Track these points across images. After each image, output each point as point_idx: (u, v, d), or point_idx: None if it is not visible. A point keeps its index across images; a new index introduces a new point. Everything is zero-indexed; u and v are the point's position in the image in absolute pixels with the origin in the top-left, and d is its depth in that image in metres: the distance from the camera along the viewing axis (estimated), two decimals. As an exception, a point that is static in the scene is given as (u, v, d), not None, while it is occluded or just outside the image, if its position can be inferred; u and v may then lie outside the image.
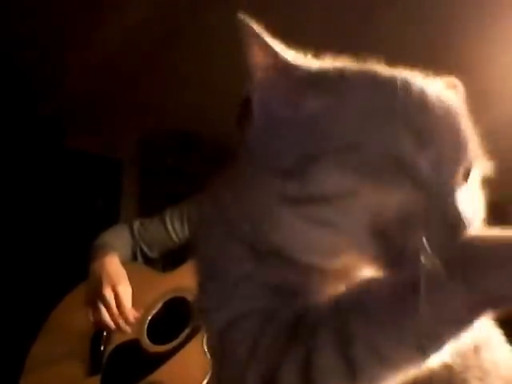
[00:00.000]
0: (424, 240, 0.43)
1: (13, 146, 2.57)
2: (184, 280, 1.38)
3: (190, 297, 1.36)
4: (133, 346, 1.37)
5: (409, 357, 0.44)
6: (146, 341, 1.37)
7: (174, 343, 1.32)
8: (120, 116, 2.86)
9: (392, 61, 0.50)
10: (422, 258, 0.42)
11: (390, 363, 0.44)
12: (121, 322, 1.38)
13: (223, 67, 2.39)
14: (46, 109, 2.70)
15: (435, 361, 0.44)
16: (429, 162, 0.45)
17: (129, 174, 2.99)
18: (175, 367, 1.29)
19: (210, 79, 2.50)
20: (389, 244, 0.45)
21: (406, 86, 0.48)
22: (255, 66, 0.54)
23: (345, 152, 0.45)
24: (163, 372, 1.29)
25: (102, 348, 1.40)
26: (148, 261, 1.57)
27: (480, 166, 0.50)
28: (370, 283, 0.47)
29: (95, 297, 1.39)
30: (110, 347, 1.41)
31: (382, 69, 0.52)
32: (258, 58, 0.53)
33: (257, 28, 0.52)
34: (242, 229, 0.54)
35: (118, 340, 1.40)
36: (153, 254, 1.57)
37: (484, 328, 0.56)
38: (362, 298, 0.46)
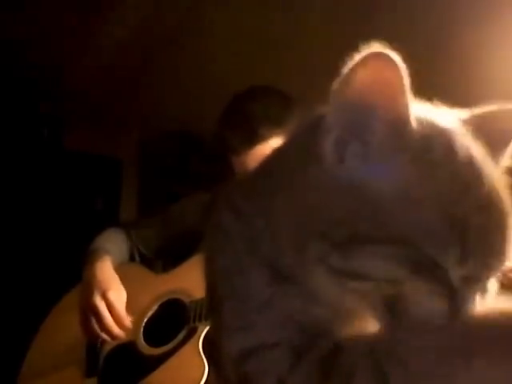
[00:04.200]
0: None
1: (13, 145, 2.58)
2: (180, 282, 1.37)
3: (186, 299, 1.35)
4: (129, 348, 1.37)
5: None
6: (141, 343, 1.36)
7: (170, 345, 1.31)
8: (120, 116, 2.86)
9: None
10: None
11: None
12: (114, 330, 1.34)
13: (224, 67, 2.39)
14: (46, 109, 2.70)
15: None
16: (464, 273, 0.46)
17: (129, 174, 2.99)
18: (171, 370, 1.28)
19: (211, 79, 2.49)
20: (398, 313, 0.48)
21: (477, 189, 0.46)
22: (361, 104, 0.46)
23: (396, 245, 0.45)
24: (159, 374, 1.29)
25: (97, 350, 1.40)
26: (146, 260, 1.55)
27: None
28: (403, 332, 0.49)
29: (85, 306, 1.35)
30: (106, 350, 1.40)
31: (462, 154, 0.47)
32: (373, 96, 0.46)
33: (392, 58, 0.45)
34: (266, 251, 0.53)
35: (113, 342, 1.39)
36: (150, 254, 1.55)
37: None
38: (397, 348, 0.47)
